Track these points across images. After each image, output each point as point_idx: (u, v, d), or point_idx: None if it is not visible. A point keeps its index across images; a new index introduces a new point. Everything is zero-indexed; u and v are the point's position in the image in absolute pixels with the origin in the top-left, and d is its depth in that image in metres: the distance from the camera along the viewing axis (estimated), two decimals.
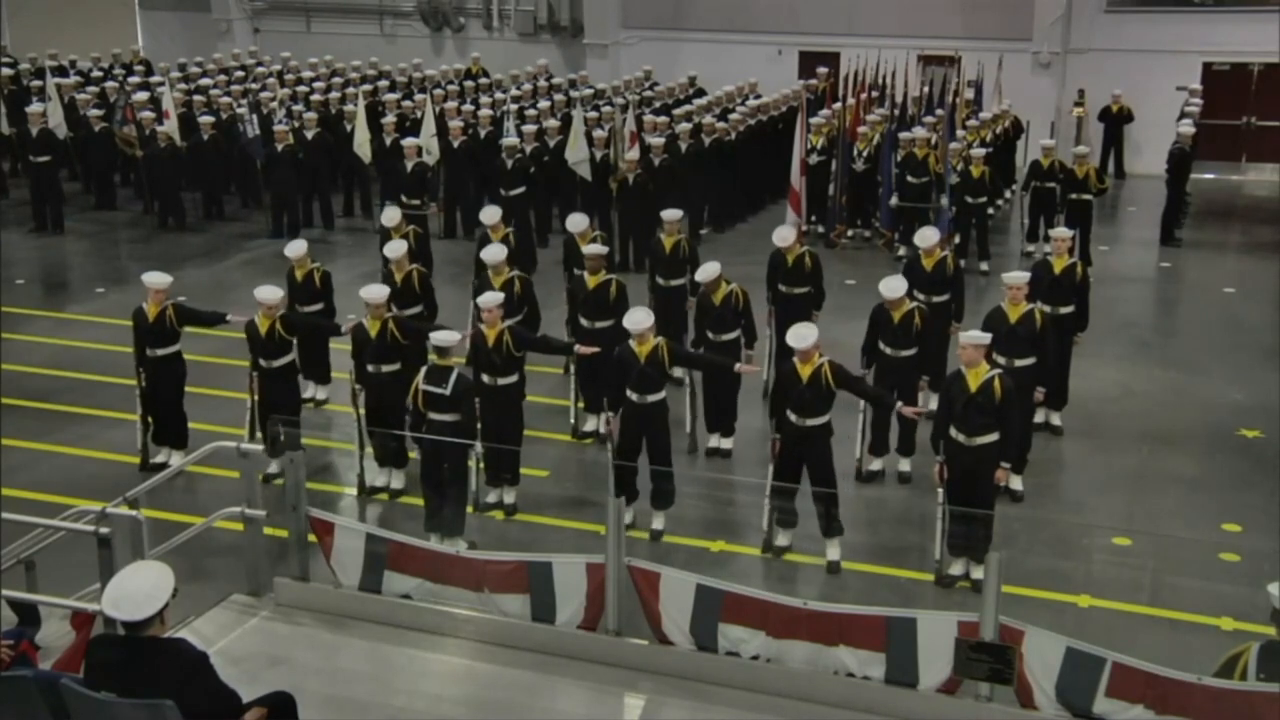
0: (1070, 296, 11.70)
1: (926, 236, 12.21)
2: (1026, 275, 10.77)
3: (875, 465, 11.08)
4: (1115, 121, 23.20)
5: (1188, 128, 18.87)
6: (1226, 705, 5.97)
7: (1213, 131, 22.07)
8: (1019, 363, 10.45)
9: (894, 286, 10.75)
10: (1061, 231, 12.26)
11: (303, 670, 6.83)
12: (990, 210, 18.35)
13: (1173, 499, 10.79)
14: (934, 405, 10.26)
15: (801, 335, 9.42)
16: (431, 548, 7.85)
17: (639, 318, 9.92)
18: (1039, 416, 11.73)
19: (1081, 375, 12.22)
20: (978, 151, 17.36)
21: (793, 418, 9.48)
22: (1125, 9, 23.65)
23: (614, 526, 6.88)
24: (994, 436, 9.11)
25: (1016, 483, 10.68)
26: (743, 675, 6.69)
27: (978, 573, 9.06)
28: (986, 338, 9.37)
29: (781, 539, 9.78)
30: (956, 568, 9.32)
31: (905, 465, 11.04)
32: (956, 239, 17.37)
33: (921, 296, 11.96)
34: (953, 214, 17.14)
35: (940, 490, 9.30)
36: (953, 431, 9.19)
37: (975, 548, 9.11)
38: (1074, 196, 16.88)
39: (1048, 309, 11.33)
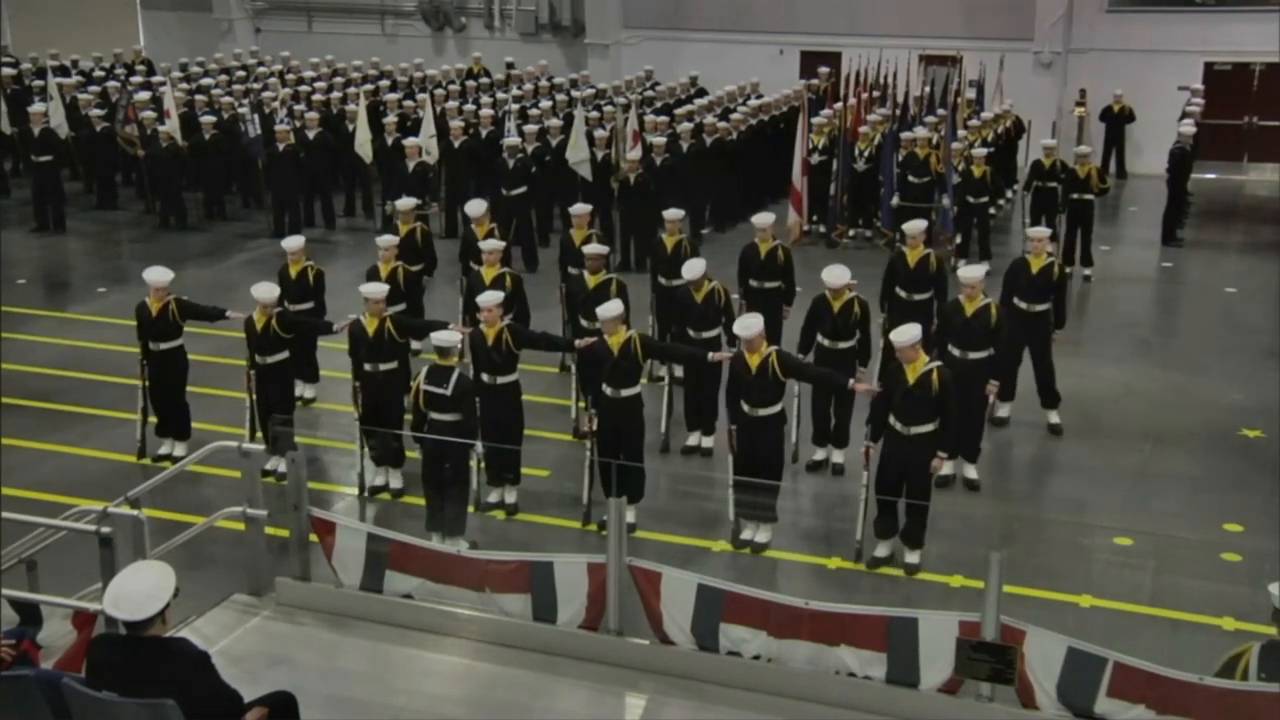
0: (1047, 294, 11.78)
1: (915, 225, 12.28)
2: (983, 270, 10.91)
3: (820, 455, 11.18)
4: (1117, 121, 23.20)
5: (1189, 127, 18.86)
6: (1228, 705, 5.97)
7: (1214, 131, 22.06)
8: (973, 355, 10.58)
9: (836, 274, 10.84)
10: (1039, 230, 12.35)
11: (304, 670, 6.84)
12: (992, 210, 18.35)
13: (1174, 499, 10.79)
14: None
15: (746, 325, 9.64)
16: (433, 547, 7.85)
17: (607, 307, 9.97)
18: (1004, 411, 11.94)
19: (1082, 375, 12.22)
20: (979, 151, 17.35)
21: (745, 408, 9.65)
22: (1127, 9, 23.64)
23: (615, 526, 6.88)
24: (931, 426, 9.26)
25: (971, 471, 10.85)
26: (744, 675, 6.69)
27: (912, 557, 9.42)
28: (916, 337, 9.36)
29: (747, 532, 9.85)
30: (881, 550, 9.52)
31: (839, 456, 11.13)
32: (958, 239, 17.40)
33: (903, 294, 12.00)
34: (954, 214, 17.16)
35: (866, 473, 9.50)
36: (891, 420, 9.34)
37: (910, 534, 9.41)
38: (1075, 196, 16.86)
39: (1024, 306, 11.41)
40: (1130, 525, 10.18)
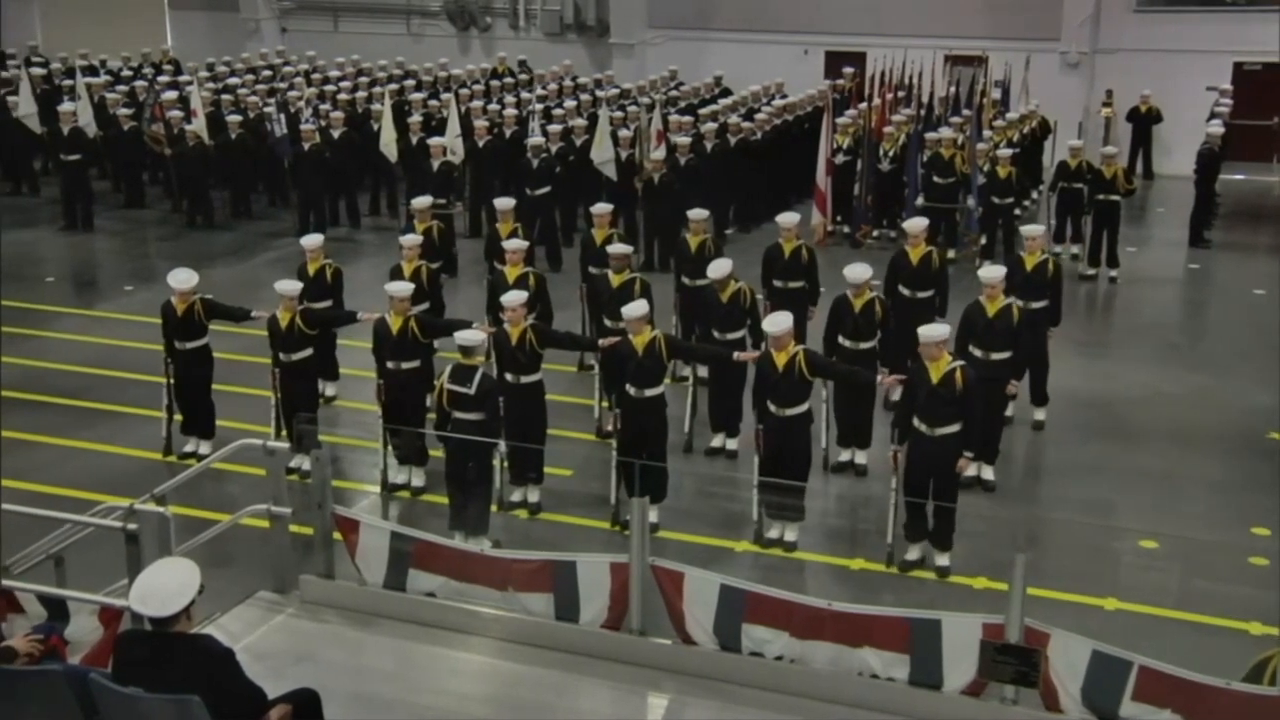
0: (1043, 292, 11.76)
1: (915, 224, 12.26)
2: (1003, 271, 10.88)
3: (844, 456, 11.15)
4: (1144, 122, 23.05)
5: (1217, 128, 18.74)
6: (1256, 711, 5.93)
7: (1243, 132, 21.87)
8: (995, 356, 10.57)
9: (858, 272, 10.84)
10: (1033, 228, 12.34)
11: (328, 667, 6.86)
12: (1017, 211, 18.27)
13: (1200, 502, 10.71)
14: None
15: (776, 321, 9.64)
16: (456, 546, 7.87)
17: (633, 306, 9.97)
18: (1009, 410, 11.82)
19: (1109, 377, 12.15)
20: (1004, 152, 17.30)
21: (772, 408, 9.62)
22: (1155, 8, 23.49)
23: (638, 526, 6.88)
24: (955, 427, 9.21)
25: (988, 473, 10.80)
26: (766, 676, 6.68)
27: (942, 560, 9.39)
28: (945, 332, 9.38)
29: (773, 531, 9.83)
30: (911, 553, 9.47)
31: (861, 457, 11.10)
32: (983, 240, 17.33)
33: (906, 291, 11.96)
34: (979, 215, 17.10)
35: (894, 477, 9.44)
36: (915, 421, 9.30)
37: (938, 536, 9.36)
38: (1101, 197, 16.79)
39: (1020, 304, 11.38)
40: (1156, 528, 10.10)
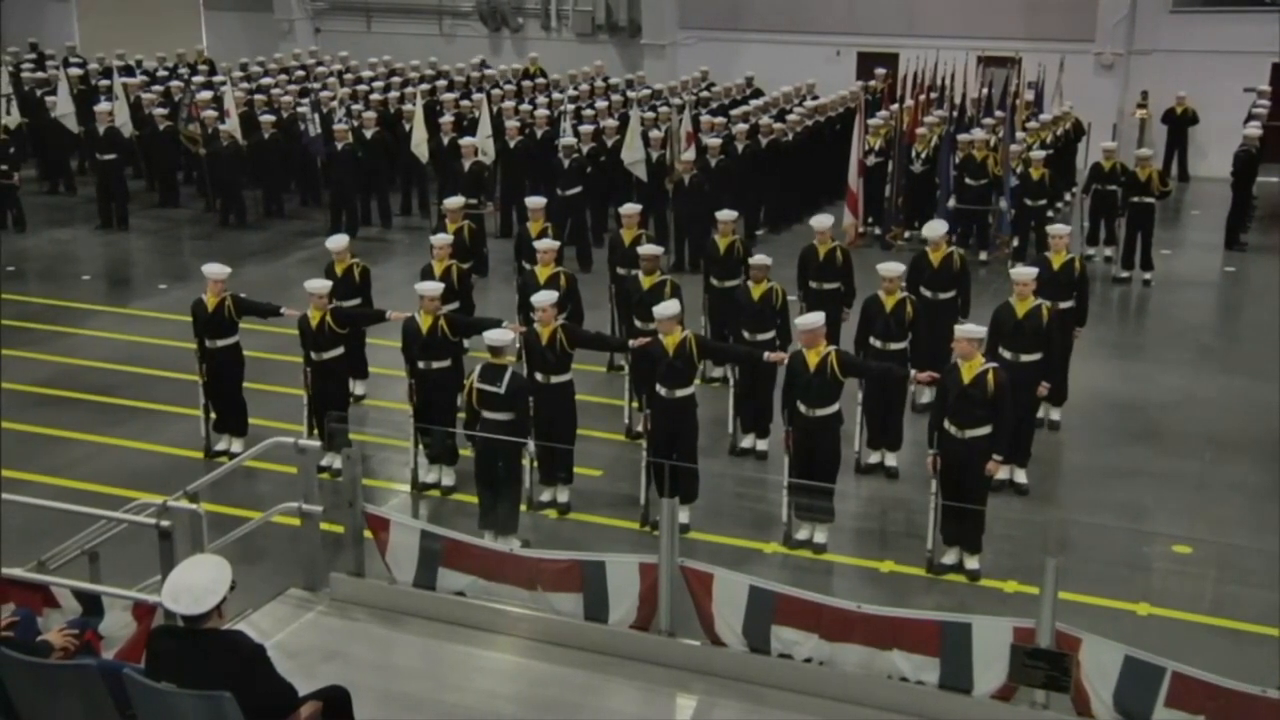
0: (1069, 291, 11.70)
1: (934, 228, 12.27)
2: (1034, 270, 10.83)
3: (873, 458, 11.12)
4: (1179, 123, 22.83)
5: (1254, 130, 18.56)
6: None
7: None
8: (1024, 358, 10.51)
9: (891, 267, 10.85)
10: (1059, 228, 12.24)
11: (357, 665, 6.90)
12: (1050, 213, 18.13)
13: (1235, 506, 10.61)
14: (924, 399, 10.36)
15: (808, 319, 9.70)
16: (486, 545, 7.89)
17: (664, 307, 9.98)
18: (1049, 414, 11.79)
19: (1143, 380, 12.03)
20: (1037, 154, 17.19)
21: (802, 408, 9.60)
22: (1191, 9, 23.25)
23: (667, 527, 6.88)
24: (986, 430, 9.16)
25: (1021, 476, 10.75)
26: (795, 678, 6.68)
27: (971, 563, 9.35)
28: (981, 331, 9.41)
29: (802, 532, 9.81)
30: (949, 557, 9.44)
31: (892, 460, 11.06)
32: (1015, 242, 17.23)
33: (928, 293, 11.94)
34: (1012, 217, 17.00)
35: (934, 481, 9.38)
36: (945, 423, 9.25)
37: (966, 539, 9.32)
38: (1136, 199, 16.66)
39: (1049, 305, 11.31)
40: (1190, 533, 10.03)
